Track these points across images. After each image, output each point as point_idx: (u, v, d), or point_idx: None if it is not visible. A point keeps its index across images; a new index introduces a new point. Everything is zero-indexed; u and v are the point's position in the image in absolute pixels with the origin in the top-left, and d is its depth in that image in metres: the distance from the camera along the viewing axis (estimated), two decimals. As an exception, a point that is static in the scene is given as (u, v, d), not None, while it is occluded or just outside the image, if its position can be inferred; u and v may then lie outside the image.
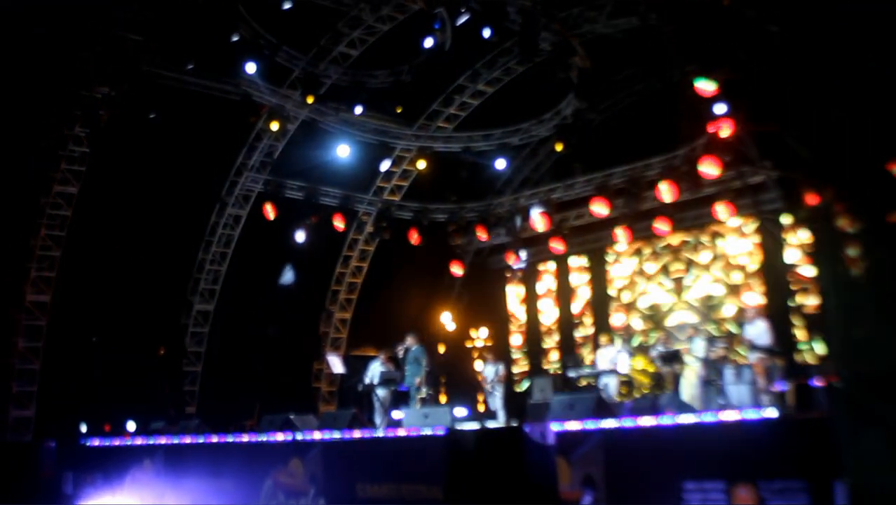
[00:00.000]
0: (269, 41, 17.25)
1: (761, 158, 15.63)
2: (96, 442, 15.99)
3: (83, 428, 17.68)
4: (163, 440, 14.80)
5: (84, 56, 16.74)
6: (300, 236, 19.96)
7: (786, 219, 18.20)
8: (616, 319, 21.69)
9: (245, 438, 13.62)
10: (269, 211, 19.56)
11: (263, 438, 13.17)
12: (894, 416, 6.04)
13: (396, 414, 14.91)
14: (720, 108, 13.22)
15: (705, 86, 12.52)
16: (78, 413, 17.96)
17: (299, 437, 12.67)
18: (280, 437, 12.91)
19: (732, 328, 19.13)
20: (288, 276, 19.25)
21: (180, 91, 17.73)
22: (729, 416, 9.16)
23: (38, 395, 18.10)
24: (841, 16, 10.29)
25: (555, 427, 9.73)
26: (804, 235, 17.72)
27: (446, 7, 14.84)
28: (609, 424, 9.85)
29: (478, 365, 22.89)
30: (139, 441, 15.20)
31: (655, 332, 20.52)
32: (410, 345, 15.53)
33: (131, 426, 18.23)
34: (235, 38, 15.96)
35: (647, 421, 9.60)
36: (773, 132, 12.53)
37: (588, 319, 22.39)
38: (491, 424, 14.67)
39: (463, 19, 14.70)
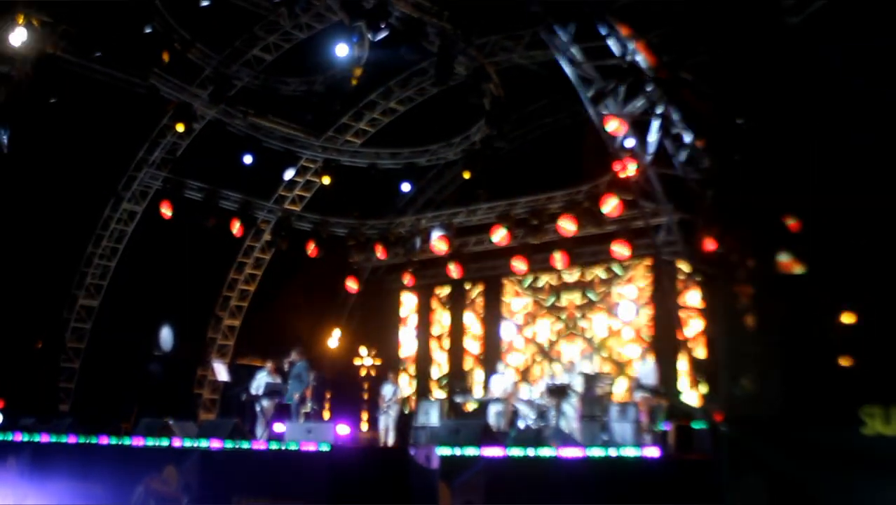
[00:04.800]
0: (183, 37, 16.88)
1: (664, 201, 15.91)
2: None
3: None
4: (31, 438, 14.22)
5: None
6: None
7: (682, 262, 18.57)
8: (507, 347, 21.79)
9: (119, 441, 13.18)
10: (166, 210, 19.07)
11: (138, 442, 12.77)
12: (775, 461, 6.17)
13: (278, 427, 14.64)
14: (627, 147, 13.41)
15: (613, 125, 12.71)
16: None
17: (176, 443, 12.33)
18: (156, 442, 12.53)
19: (619, 365, 19.47)
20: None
21: (85, 78, 17.20)
22: (610, 452, 9.25)
23: None
24: (750, 70, 10.59)
25: (439, 451, 9.67)
26: (698, 280, 18.12)
27: (366, 21, 14.74)
28: (492, 452, 9.85)
29: (365, 383, 22.77)
30: (5, 437, 14.57)
31: (544, 363, 20.71)
32: (295, 360, 15.38)
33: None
34: (148, 30, 15.56)
35: (529, 451, 9.63)
36: (676, 176, 12.78)
37: (479, 346, 22.45)
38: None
39: (381, 35, 14.61)
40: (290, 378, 15.34)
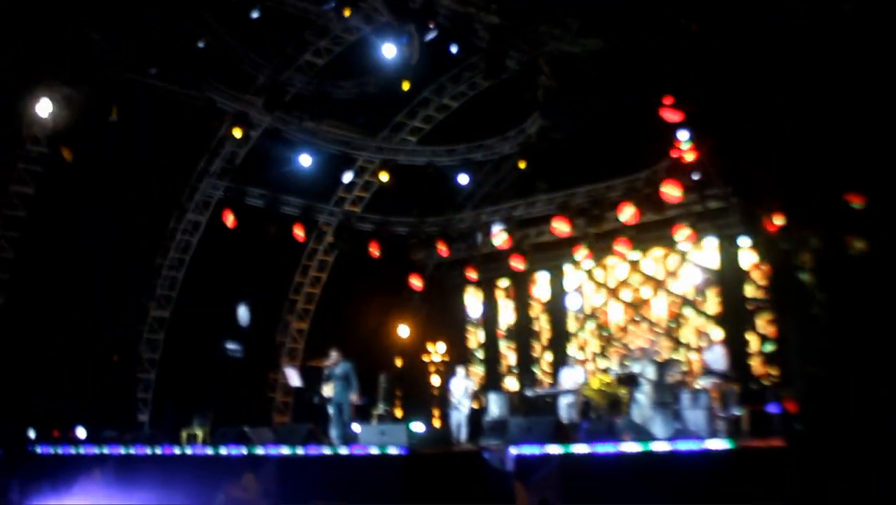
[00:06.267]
0: (235, 48, 17.10)
1: (723, 184, 15.78)
2: (45, 449, 15.74)
3: (31, 435, 17.36)
4: (114, 450, 14.61)
5: (46, 54, 16.48)
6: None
7: (746, 244, 18.41)
8: (573, 337, 21.74)
9: (197, 451, 13.48)
10: (229, 218, 19.34)
11: (217, 451, 13.04)
12: (849, 456, 6.11)
13: (353, 427, 14.76)
14: (684, 134, 13.33)
15: (671, 114, 12.62)
16: (27, 419, 17.63)
17: (254, 451, 12.57)
18: (234, 450, 12.79)
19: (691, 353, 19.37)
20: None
21: (143, 94, 17.50)
22: (685, 445, 9.22)
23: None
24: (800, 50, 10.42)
25: (513, 451, 9.73)
26: (764, 262, 17.95)
27: (415, 22, 14.77)
28: (567, 449, 9.87)
29: (435, 379, 22.91)
30: (90, 450, 14.98)
31: (613, 352, 20.66)
32: (338, 360, 14.80)
33: (81, 433, 17.96)
34: (201, 45, 15.78)
35: (604, 447, 9.64)
36: (736, 159, 12.65)
37: (546, 337, 22.42)
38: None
39: (431, 35, 14.63)
40: (336, 379, 14.69)
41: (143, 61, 16.75)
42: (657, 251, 20.35)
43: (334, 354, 14.92)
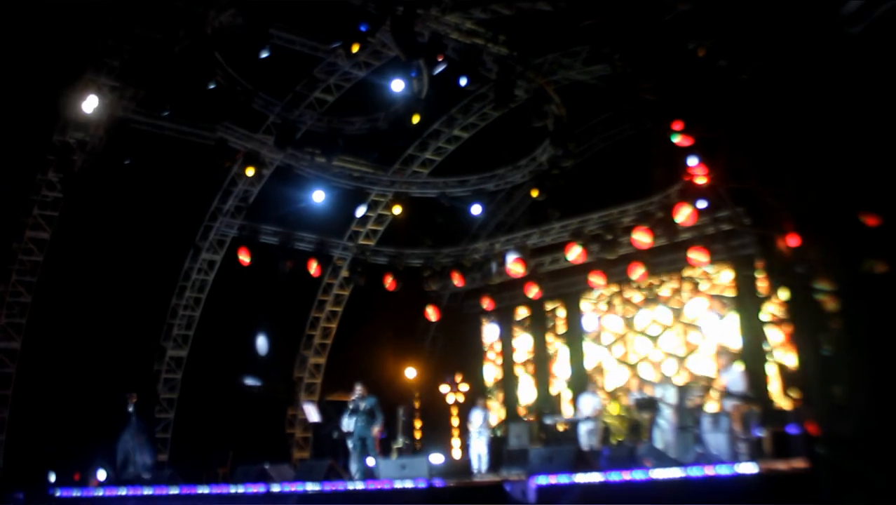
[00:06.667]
0: (246, 87, 17.22)
1: (735, 206, 15.78)
2: (66, 492, 15.71)
3: (52, 478, 17.36)
4: (135, 491, 14.57)
5: (58, 101, 16.65)
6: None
7: (761, 265, 18.35)
8: (591, 364, 21.66)
9: (219, 490, 13.43)
10: (244, 256, 19.41)
11: (238, 489, 13.00)
12: (876, 480, 6.05)
13: (371, 461, 14.71)
14: (694, 159, 13.35)
15: (681, 139, 12.65)
16: (47, 462, 17.65)
17: (275, 488, 12.53)
18: (255, 488, 12.75)
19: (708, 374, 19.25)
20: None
21: (155, 136, 17.66)
22: (707, 470, 9.15)
23: (6, 444, 17.79)
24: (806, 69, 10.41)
25: (535, 482, 9.68)
26: (780, 284, 17.87)
27: (423, 57, 14.88)
28: (588, 477, 9.81)
29: (454, 410, 22.83)
30: (111, 492, 14.95)
31: (632, 377, 20.57)
32: (364, 394, 14.85)
33: (102, 475, 17.96)
34: (212, 86, 15.90)
35: (626, 475, 9.57)
36: (747, 182, 12.62)
37: (563, 365, 22.34)
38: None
39: (440, 69, 14.72)
40: (360, 413, 14.72)
41: (155, 103, 16.91)
42: (673, 275, 20.31)
43: (359, 389, 14.95)
